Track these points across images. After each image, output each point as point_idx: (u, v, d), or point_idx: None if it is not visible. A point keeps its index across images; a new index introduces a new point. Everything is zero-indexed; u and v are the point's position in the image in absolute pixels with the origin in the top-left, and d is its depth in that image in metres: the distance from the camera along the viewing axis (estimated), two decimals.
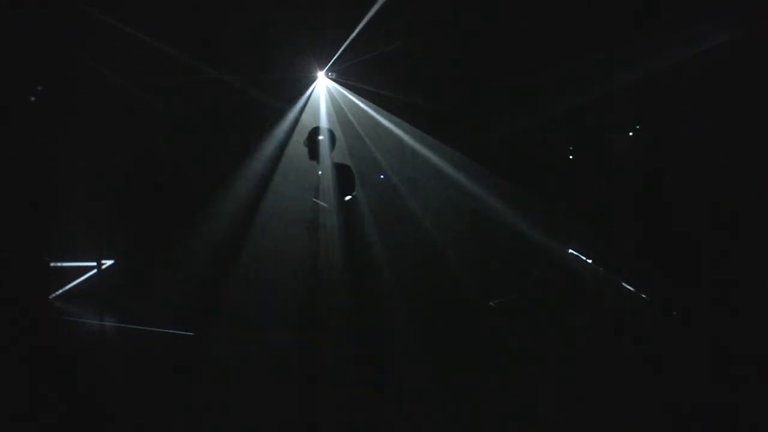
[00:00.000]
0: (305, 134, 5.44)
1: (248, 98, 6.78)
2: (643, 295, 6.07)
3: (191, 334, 5.33)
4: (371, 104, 7.04)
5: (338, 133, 5.67)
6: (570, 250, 6.82)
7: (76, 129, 6.58)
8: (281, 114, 6.94)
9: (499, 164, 6.91)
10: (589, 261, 6.67)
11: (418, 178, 7.23)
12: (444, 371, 4.58)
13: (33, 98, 6.45)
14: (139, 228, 6.93)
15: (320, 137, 5.15)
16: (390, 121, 7.10)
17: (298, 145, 6.94)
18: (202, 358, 4.81)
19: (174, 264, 6.69)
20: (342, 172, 5.06)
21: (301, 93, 6.97)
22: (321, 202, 5.20)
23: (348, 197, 4.99)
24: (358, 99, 7.02)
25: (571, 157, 7.12)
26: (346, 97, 7.01)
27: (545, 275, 6.52)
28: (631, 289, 6.18)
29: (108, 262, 6.94)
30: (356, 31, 6.34)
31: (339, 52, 6.62)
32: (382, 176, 7.06)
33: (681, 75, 5.98)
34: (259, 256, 6.61)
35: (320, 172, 5.18)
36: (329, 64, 6.82)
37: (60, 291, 6.74)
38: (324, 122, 6.95)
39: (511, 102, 6.71)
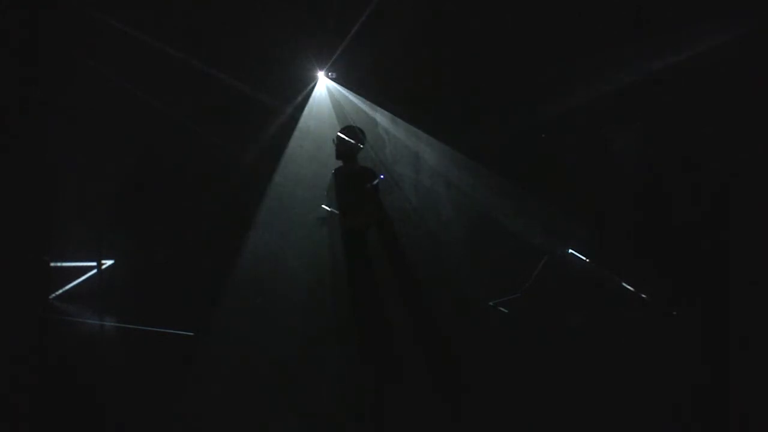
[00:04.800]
0: (308, 134, 5.53)
1: (248, 98, 6.78)
2: (643, 295, 6.07)
3: (191, 334, 5.33)
4: (371, 104, 7.05)
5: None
6: (570, 250, 6.82)
7: (76, 129, 6.58)
8: (281, 114, 6.94)
9: (500, 164, 6.92)
10: (589, 261, 6.67)
11: (418, 178, 7.23)
12: (444, 371, 4.58)
13: (33, 98, 6.44)
14: (139, 228, 6.93)
15: (351, 139, 5.24)
16: (390, 120, 7.11)
17: (297, 144, 6.96)
18: (202, 358, 4.81)
19: (174, 264, 6.69)
20: (368, 173, 5.16)
21: (301, 93, 6.98)
22: (330, 209, 5.27)
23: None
24: (358, 99, 7.03)
25: (570, 157, 7.11)
26: (346, 96, 7.02)
27: (545, 275, 6.52)
28: (631, 289, 6.18)
29: (108, 262, 6.94)
30: (355, 29, 6.34)
31: (339, 51, 6.62)
32: (382, 176, 7.07)
33: (681, 75, 5.98)
34: (260, 256, 6.62)
35: (332, 173, 5.25)
36: (329, 64, 6.83)
37: (60, 291, 6.74)
38: (324, 121, 6.98)
39: (511, 102, 6.71)
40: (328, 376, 4.41)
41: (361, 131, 5.55)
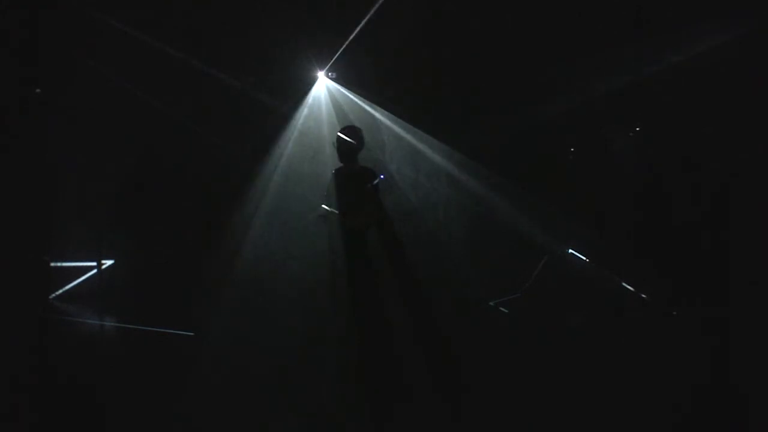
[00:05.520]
0: (308, 133, 5.53)
1: (248, 98, 6.78)
2: (643, 295, 6.07)
3: (191, 334, 5.33)
4: (371, 104, 7.05)
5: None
6: (570, 250, 6.81)
7: (76, 129, 6.58)
8: (281, 114, 6.94)
9: (500, 164, 6.92)
10: (589, 261, 6.67)
11: (418, 178, 7.23)
12: (444, 371, 4.57)
13: (33, 98, 6.44)
14: (139, 228, 6.93)
15: (351, 140, 5.25)
16: (390, 120, 7.11)
17: (298, 144, 6.97)
18: (202, 358, 4.81)
19: (174, 264, 6.69)
20: (368, 173, 5.18)
21: (301, 93, 6.98)
22: (330, 209, 5.27)
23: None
24: (358, 99, 7.03)
25: (571, 157, 7.12)
26: (346, 96, 7.02)
27: (545, 275, 6.52)
28: (631, 289, 6.18)
29: (108, 262, 6.94)
30: (356, 30, 6.34)
31: (339, 51, 6.62)
32: (382, 176, 7.07)
33: (681, 75, 5.98)
34: (260, 256, 6.62)
35: (333, 172, 5.25)
36: (329, 64, 6.83)
37: (60, 291, 6.74)
38: (324, 121, 6.98)
39: (511, 102, 6.71)
40: (328, 376, 4.41)
41: (361, 131, 5.55)
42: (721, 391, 3.95)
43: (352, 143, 5.35)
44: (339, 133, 5.50)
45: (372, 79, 6.87)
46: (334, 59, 6.74)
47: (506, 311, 6.09)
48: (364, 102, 7.02)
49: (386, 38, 6.50)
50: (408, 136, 7.12)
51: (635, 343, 4.96)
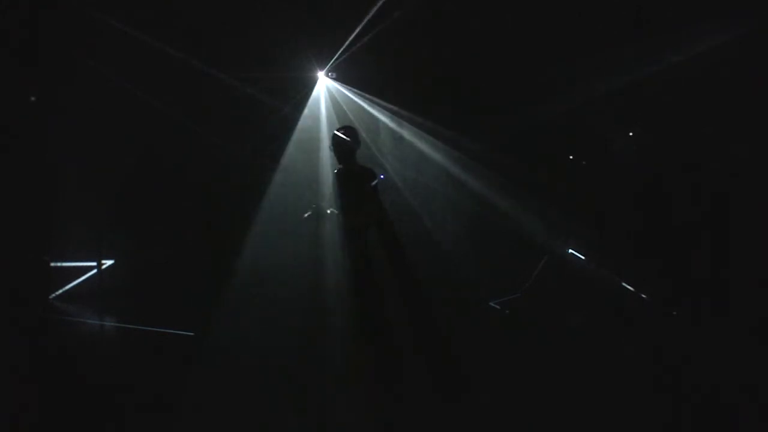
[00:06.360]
0: (308, 134, 5.50)
1: (248, 98, 6.78)
2: (643, 295, 6.07)
3: (191, 334, 5.33)
4: (371, 103, 7.05)
5: None
6: (570, 250, 6.81)
7: (76, 129, 6.58)
8: (281, 114, 6.95)
9: (500, 164, 6.92)
10: (589, 261, 6.67)
11: (418, 178, 7.24)
12: (444, 371, 4.57)
13: (33, 98, 6.45)
14: (139, 228, 6.93)
15: (347, 139, 5.24)
16: (390, 120, 7.11)
17: (298, 144, 6.97)
18: (202, 358, 4.81)
19: (174, 264, 6.69)
20: (367, 173, 5.17)
21: (301, 92, 6.98)
22: (335, 210, 5.26)
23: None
24: (359, 98, 7.03)
25: (571, 157, 7.12)
26: (347, 96, 7.02)
27: (545, 275, 6.52)
28: (631, 289, 6.18)
29: (108, 262, 6.94)
30: (357, 30, 6.34)
31: (339, 51, 6.63)
32: (382, 176, 7.07)
33: (681, 75, 5.98)
34: (260, 256, 6.62)
35: (336, 170, 5.25)
36: (329, 64, 6.83)
37: (60, 291, 6.74)
38: (324, 121, 6.98)
39: (511, 101, 6.72)
40: (328, 376, 4.41)
41: (359, 131, 5.53)
42: (721, 391, 3.95)
43: (348, 141, 5.31)
44: (336, 132, 5.46)
45: (372, 79, 6.88)
46: (334, 59, 6.75)
47: (506, 311, 6.09)
48: (364, 101, 7.03)
49: (386, 38, 6.50)
50: (409, 136, 7.12)
51: (635, 343, 4.96)
